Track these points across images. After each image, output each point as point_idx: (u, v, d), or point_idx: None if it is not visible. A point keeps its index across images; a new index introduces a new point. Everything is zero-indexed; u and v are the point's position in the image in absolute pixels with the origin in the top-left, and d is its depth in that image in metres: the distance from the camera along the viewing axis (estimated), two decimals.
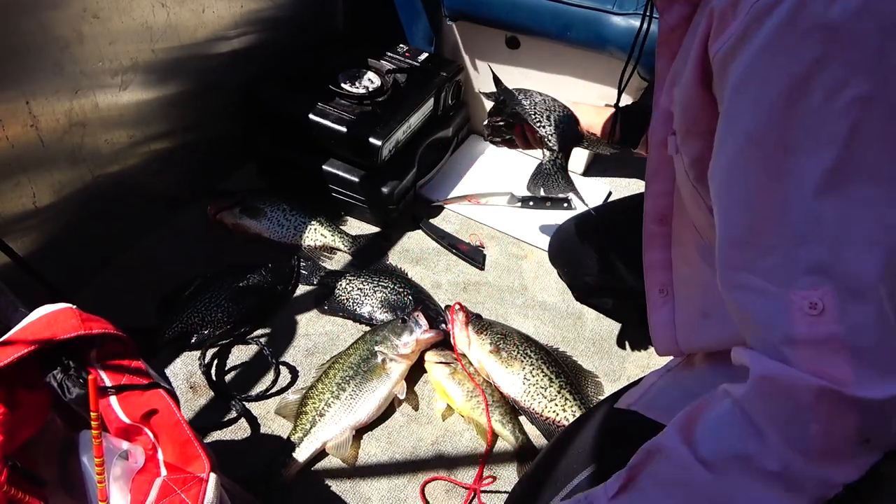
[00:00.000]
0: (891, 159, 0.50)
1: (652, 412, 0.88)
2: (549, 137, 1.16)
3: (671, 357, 0.97)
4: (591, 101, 1.73)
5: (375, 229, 1.64)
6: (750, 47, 0.55)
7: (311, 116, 1.52)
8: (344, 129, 1.50)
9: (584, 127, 1.23)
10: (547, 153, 1.19)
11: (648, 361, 1.42)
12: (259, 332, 1.38)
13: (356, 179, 1.57)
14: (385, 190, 1.57)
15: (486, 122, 1.28)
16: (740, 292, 0.59)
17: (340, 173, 1.57)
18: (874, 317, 0.51)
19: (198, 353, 1.30)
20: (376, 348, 1.27)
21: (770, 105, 0.54)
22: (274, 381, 1.28)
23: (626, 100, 1.68)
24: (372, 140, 1.49)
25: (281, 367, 1.31)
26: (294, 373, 1.31)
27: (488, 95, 1.29)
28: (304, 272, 1.50)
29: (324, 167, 1.58)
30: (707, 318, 0.83)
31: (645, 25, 0.96)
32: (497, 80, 1.26)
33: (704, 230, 0.79)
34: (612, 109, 1.17)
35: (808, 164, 0.52)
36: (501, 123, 1.26)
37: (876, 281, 0.50)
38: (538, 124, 1.17)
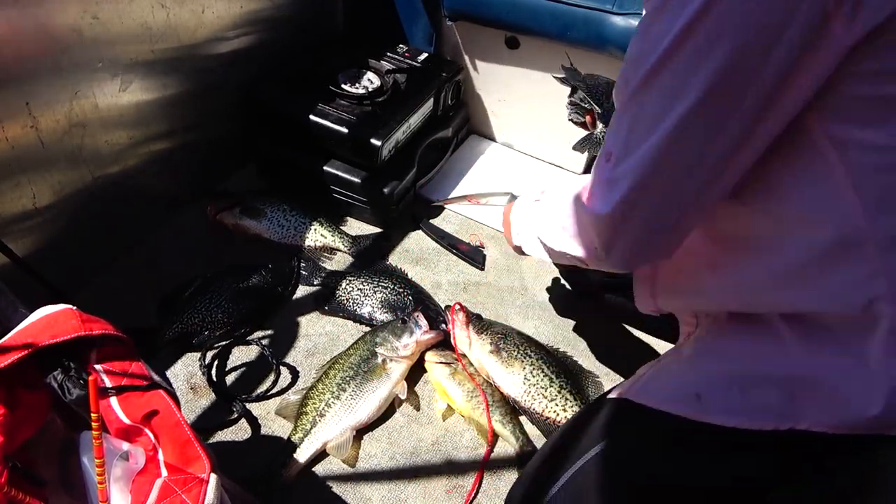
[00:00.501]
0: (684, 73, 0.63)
1: (640, 398, 0.89)
2: (602, 115, 1.31)
3: (641, 306, 1.00)
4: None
5: (375, 229, 1.64)
6: None
7: (311, 117, 1.52)
8: (344, 130, 1.50)
9: None
10: (600, 125, 1.31)
11: (649, 361, 1.42)
12: (259, 332, 1.38)
13: (356, 180, 1.57)
14: (385, 190, 1.57)
15: (567, 103, 1.41)
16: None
17: (340, 173, 1.57)
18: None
19: (198, 354, 1.30)
20: (376, 349, 1.27)
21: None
22: (274, 382, 1.28)
23: None
24: (372, 140, 1.49)
25: (281, 367, 1.31)
26: (294, 373, 1.31)
27: (561, 80, 1.42)
28: (304, 273, 1.50)
29: (324, 167, 1.58)
30: (678, 273, 0.90)
31: None
32: (568, 69, 1.41)
33: None
34: None
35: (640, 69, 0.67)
36: (576, 105, 1.39)
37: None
38: (595, 104, 1.31)
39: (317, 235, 1.56)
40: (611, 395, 0.95)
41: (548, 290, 1.56)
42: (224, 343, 1.33)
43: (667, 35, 0.62)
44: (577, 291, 1.54)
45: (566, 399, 1.24)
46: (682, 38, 0.61)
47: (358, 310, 1.42)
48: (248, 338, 1.35)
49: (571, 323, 1.49)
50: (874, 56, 0.59)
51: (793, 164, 0.69)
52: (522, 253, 1.14)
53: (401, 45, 1.75)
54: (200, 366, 1.28)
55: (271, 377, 1.29)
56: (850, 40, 0.58)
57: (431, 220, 1.70)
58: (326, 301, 1.44)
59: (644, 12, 0.69)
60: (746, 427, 0.79)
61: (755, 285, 0.80)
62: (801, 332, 0.78)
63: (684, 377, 0.88)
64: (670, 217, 0.73)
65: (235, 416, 1.22)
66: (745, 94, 0.61)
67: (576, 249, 0.87)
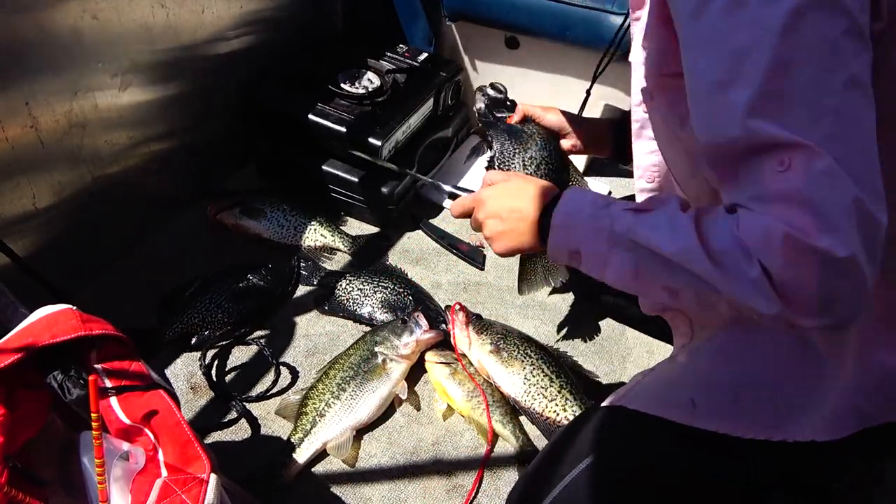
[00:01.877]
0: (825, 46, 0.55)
1: (634, 404, 0.89)
2: (494, 158, 1.14)
3: (644, 306, 0.99)
4: (591, 100, 1.73)
5: (375, 229, 1.64)
6: None
7: (311, 117, 1.52)
8: (344, 130, 1.50)
9: (576, 146, 1.21)
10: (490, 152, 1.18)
11: (649, 361, 1.42)
12: (259, 332, 1.38)
13: (356, 179, 1.57)
14: (385, 190, 1.57)
15: (477, 112, 1.23)
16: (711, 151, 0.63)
17: (340, 173, 1.57)
18: (833, 176, 0.54)
19: (198, 354, 1.30)
20: (376, 349, 1.27)
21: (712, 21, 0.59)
22: (274, 382, 1.28)
23: (625, 100, 1.68)
24: (372, 140, 1.49)
25: (281, 367, 1.31)
26: (294, 373, 1.31)
27: (485, 97, 1.23)
28: (304, 273, 1.50)
29: (324, 167, 1.58)
30: None
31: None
32: (497, 103, 1.21)
33: (686, 183, 0.81)
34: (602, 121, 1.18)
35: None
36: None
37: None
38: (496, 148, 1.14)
39: (317, 235, 1.56)
40: (606, 402, 0.95)
41: (547, 290, 1.56)
42: (224, 343, 1.34)
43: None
44: (576, 292, 1.54)
45: (566, 399, 1.24)
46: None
47: (358, 310, 1.42)
48: (248, 338, 1.35)
49: (571, 323, 1.49)
50: None
51: None
52: (571, 262, 0.81)
53: (400, 45, 1.75)
54: (200, 366, 1.28)
55: (271, 377, 1.29)
56: None
57: (431, 220, 1.70)
58: (326, 301, 1.44)
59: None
60: (739, 435, 0.79)
61: None
62: (800, 345, 0.77)
63: (679, 383, 0.88)
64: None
65: (235, 416, 1.22)
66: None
67: (750, 300, 0.60)
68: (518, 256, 1.14)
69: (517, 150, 1.09)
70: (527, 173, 1.07)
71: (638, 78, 0.83)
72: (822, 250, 0.53)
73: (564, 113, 1.20)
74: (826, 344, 0.76)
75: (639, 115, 0.87)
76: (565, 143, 1.20)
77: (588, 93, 1.17)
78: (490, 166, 1.13)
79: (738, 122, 0.57)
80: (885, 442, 0.81)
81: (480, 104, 1.20)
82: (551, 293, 1.55)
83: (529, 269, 1.17)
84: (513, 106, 1.19)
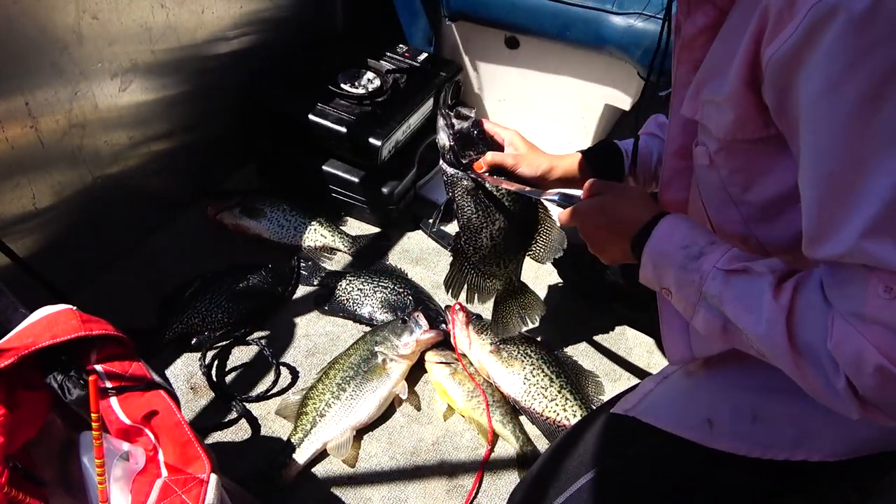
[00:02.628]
0: None
1: (648, 417, 0.88)
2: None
3: (672, 357, 0.97)
4: (591, 101, 1.74)
5: (375, 229, 1.64)
6: (817, 52, 0.53)
7: (311, 117, 1.52)
8: (344, 130, 1.50)
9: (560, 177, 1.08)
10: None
11: (649, 361, 1.42)
12: (259, 332, 1.38)
13: (356, 180, 1.57)
14: (385, 190, 1.57)
15: (441, 151, 1.04)
16: (822, 261, 0.61)
17: (340, 173, 1.57)
18: None
19: (198, 354, 1.30)
20: (376, 349, 1.27)
21: (845, 116, 0.53)
22: (274, 382, 1.28)
23: (625, 100, 1.68)
24: (372, 140, 1.49)
25: (281, 367, 1.31)
26: (294, 373, 1.31)
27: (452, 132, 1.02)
28: (304, 273, 1.50)
29: (324, 167, 1.58)
30: None
31: (665, 32, 0.92)
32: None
33: (728, 238, 0.77)
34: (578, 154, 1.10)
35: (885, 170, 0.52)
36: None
37: None
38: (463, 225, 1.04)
39: (317, 235, 1.56)
40: (616, 411, 0.93)
41: (547, 290, 1.56)
42: (224, 343, 1.33)
43: None
44: (576, 292, 1.54)
45: (566, 399, 1.24)
46: None
47: (358, 310, 1.42)
48: (248, 338, 1.35)
49: (572, 323, 1.49)
50: None
51: None
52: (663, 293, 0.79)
53: (400, 45, 1.75)
54: (200, 366, 1.28)
55: (271, 377, 1.29)
56: None
57: (431, 220, 1.69)
58: (326, 301, 1.44)
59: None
60: (757, 456, 0.79)
61: None
62: None
63: (695, 400, 0.86)
64: None
65: (235, 416, 1.22)
66: None
67: (830, 401, 0.63)
68: (493, 299, 1.13)
69: (484, 224, 1.03)
70: (493, 245, 1.03)
71: (679, 128, 0.80)
72: None
73: (535, 152, 1.08)
74: None
75: (674, 165, 0.84)
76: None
77: (637, 138, 1.06)
78: (457, 241, 1.07)
79: (853, 240, 0.55)
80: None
81: (445, 140, 1.02)
82: (552, 293, 1.55)
83: (503, 312, 1.14)
84: (480, 137, 1.03)
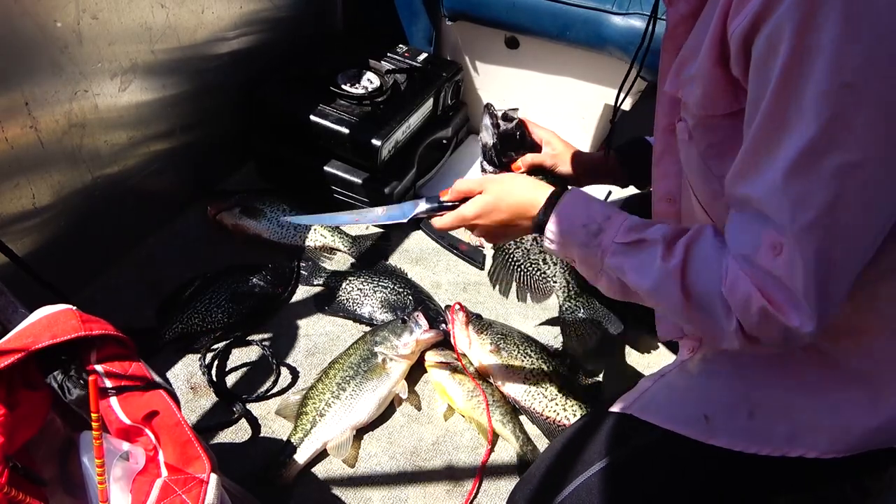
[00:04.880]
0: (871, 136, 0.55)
1: (645, 414, 0.89)
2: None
3: (670, 360, 0.97)
4: (591, 101, 1.74)
5: (375, 229, 1.64)
6: (771, 19, 0.56)
7: (311, 117, 1.52)
8: (343, 130, 1.50)
9: (583, 172, 1.17)
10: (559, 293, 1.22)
11: (648, 361, 1.42)
12: (260, 332, 1.38)
13: (356, 179, 1.57)
14: (385, 190, 1.57)
15: (483, 148, 1.14)
16: (737, 199, 0.68)
17: (340, 173, 1.57)
18: (812, 270, 0.60)
19: (198, 354, 1.30)
20: (376, 348, 1.27)
21: (774, 79, 0.57)
22: (274, 382, 1.28)
23: (626, 103, 1.68)
24: (372, 140, 1.49)
25: (281, 367, 1.31)
26: (294, 373, 1.31)
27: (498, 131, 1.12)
28: (304, 273, 1.50)
29: (323, 167, 1.58)
30: None
31: (650, 26, 0.96)
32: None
33: (711, 207, 0.81)
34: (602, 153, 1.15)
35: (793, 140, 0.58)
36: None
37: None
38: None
39: (316, 235, 1.56)
40: (613, 409, 0.94)
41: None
42: (224, 343, 1.33)
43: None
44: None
45: (566, 399, 1.24)
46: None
47: (358, 310, 1.42)
48: (248, 338, 1.35)
49: None
50: None
51: None
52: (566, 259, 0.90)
53: (400, 46, 1.75)
54: (201, 366, 1.28)
55: (271, 377, 1.29)
56: None
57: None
58: (326, 301, 1.44)
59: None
60: (754, 452, 0.79)
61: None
62: (823, 365, 0.77)
63: (692, 397, 0.87)
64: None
65: (236, 416, 1.22)
66: None
67: (720, 341, 0.71)
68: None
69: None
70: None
71: (665, 106, 0.83)
72: (789, 327, 0.63)
73: (571, 151, 1.17)
74: (850, 365, 0.76)
75: (664, 141, 0.87)
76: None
77: (613, 123, 1.11)
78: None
79: (768, 187, 0.61)
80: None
81: (489, 139, 1.09)
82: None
83: (571, 325, 1.26)
84: (521, 138, 1.11)
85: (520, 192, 0.90)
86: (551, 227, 0.84)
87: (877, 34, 0.52)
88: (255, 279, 1.42)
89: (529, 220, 0.88)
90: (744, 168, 0.64)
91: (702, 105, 0.72)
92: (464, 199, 0.95)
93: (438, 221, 0.98)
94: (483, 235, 0.97)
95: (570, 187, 0.90)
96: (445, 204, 0.97)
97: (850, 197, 0.57)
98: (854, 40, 0.52)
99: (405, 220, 1.00)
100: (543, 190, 0.89)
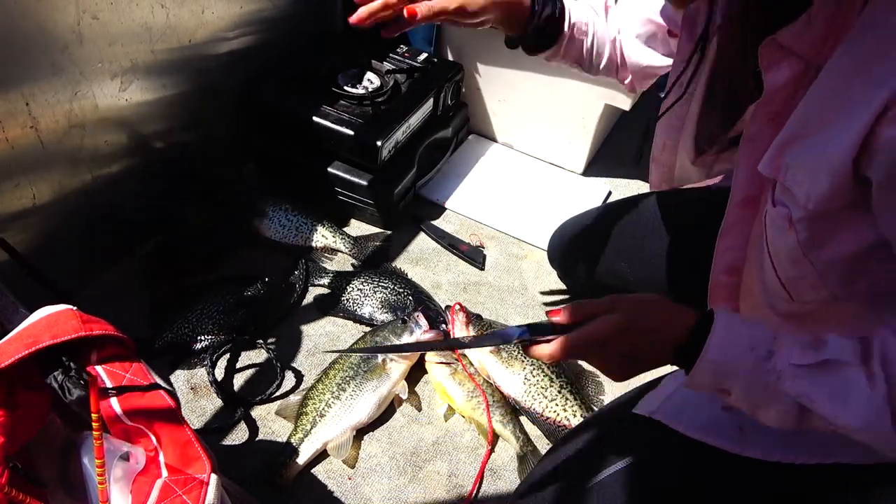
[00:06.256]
0: None
1: (673, 422, 0.86)
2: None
3: None
4: (591, 101, 1.74)
5: (375, 229, 1.64)
6: None
7: (311, 117, 1.52)
8: (343, 130, 1.50)
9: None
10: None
11: None
12: (260, 333, 1.38)
13: (356, 180, 1.57)
14: (385, 190, 1.57)
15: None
16: None
17: (340, 174, 1.57)
18: None
19: (192, 370, 1.29)
20: None
21: None
22: (274, 383, 1.28)
23: (625, 101, 1.68)
24: (372, 140, 1.49)
25: (281, 368, 1.30)
26: (294, 373, 1.31)
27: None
28: (300, 275, 1.49)
29: (323, 167, 1.58)
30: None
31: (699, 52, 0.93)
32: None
33: (793, 285, 0.75)
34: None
35: None
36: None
37: None
38: None
39: (318, 236, 1.55)
40: (638, 410, 0.91)
41: (547, 290, 1.56)
42: (226, 347, 1.32)
43: None
44: (575, 293, 1.54)
45: (566, 399, 1.24)
46: None
47: (358, 310, 1.42)
48: (248, 337, 1.35)
49: None
50: None
51: None
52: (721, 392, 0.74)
53: (400, 46, 1.75)
54: (201, 366, 1.28)
55: (272, 378, 1.29)
56: None
57: (431, 221, 1.70)
58: (327, 301, 1.44)
59: None
60: (791, 461, 0.78)
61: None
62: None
63: (726, 407, 0.84)
64: None
65: (236, 416, 1.22)
66: None
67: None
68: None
69: None
70: None
71: (745, 179, 0.79)
72: None
73: None
74: None
75: (737, 215, 0.83)
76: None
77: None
78: None
79: None
80: None
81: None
82: (552, 294, 1.55)
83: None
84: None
85: (657, 312, 0.75)
86: (708, 356, 0.69)
87: None
88: (250, 292, 1.39)
89: (670, 344, 0.72)
90: None
91: (822, 201, 0.65)
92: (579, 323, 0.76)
93: (548, 348, 0.76)
94: (605, 367, 0.78)
95: (714, 309, 0.73)
96: (556, 326, 0.77)
97: None
98: None
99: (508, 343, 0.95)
100: (684, 309, 0.74)
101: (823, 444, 0.78)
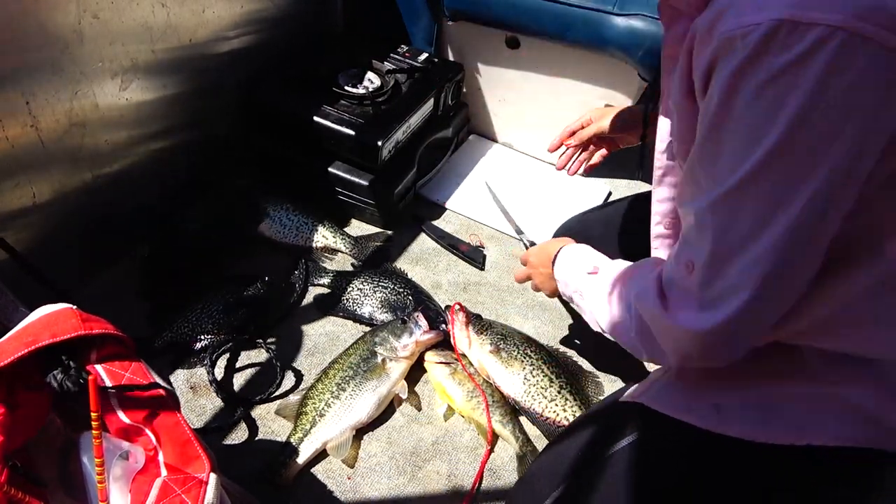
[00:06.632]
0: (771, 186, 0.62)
1: (656, 404, 0.89)
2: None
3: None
4: (591, 101, 1.74)
5: (375, 229, 1.64)
6: (718, 74, 0.63)
7: (311, 116, 1.52)
8: (344, 130, 1.50)
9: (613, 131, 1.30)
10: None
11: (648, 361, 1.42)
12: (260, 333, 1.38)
13: (356, 179, 1.57)
14: (385, 190, 1.57)
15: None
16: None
17: (341, 173, 1.57)
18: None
19: (193, 369, 1.29)
20: (376, 348, 1.27)
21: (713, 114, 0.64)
22: (274, 383, 1.28)
23: (625, 102, 1.68)
24: (372, 140, 1.49)
25: (281, 367, 1.30)
26: (294, 373, 1.31)
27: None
28: (300, 276, 1.49)
29: (323, 167, 1.58)
30: None
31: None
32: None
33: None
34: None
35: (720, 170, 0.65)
36: None
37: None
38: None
39: (318, 236, 1.55)
40: (624, 398, 0.94)
41: None
42: (227, 346, 1.32)
43: (754, 146, 0.61)
44: None
45: (566, 399, 1.24)
46: (779, 148, 0.59)
47: (358, 310, 1.42)
48: (248, 337, 1.35)
49: (571, 323, 1.49)
50: None
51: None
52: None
53: (401, 46, 1.75)
54: (201, 364, 1.28)
55: (271, 377, 1.28)
56: None
57: (432, 221, 1.70)
58: (327, 301, 1.44)
59: (705, 121, 0.66)
60: (763, 441, 0.79)
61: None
62: (828, 358, 0.77)
63: (703, 387, 0.87)
64: (775, 316, 0.70)
65: (236, 416, 1.22)
66: (844, 191, 0.61)
67: (652, 353, 0.82)
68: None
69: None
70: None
71: (664, 128, 0.86)
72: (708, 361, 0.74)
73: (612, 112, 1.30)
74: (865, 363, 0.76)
75: (662, 162, 0.90)
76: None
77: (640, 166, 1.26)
78: None
79: (700, 208, 0.67)
80: None
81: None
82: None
83: None
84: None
85: (553, 243, 1.13)
86: (555, 274, 1.06)
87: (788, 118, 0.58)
88: (250, 291, 1.39)
89: (550, 269, 1.08)
90: (686, 190, 0.72)
91: (675, 129, 0.75)
92: None
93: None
94: (538, 279, 1.17)
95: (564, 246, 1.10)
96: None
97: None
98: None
99: None
100: (559, 244, 1.10)
101: (797, 423, 0.79)
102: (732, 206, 0.64)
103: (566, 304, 1.52)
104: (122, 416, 0.77)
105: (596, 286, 0.92)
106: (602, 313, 0.90)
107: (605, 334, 0.93)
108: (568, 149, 1.34)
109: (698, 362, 0.75)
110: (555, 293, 1.13)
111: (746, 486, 0.84)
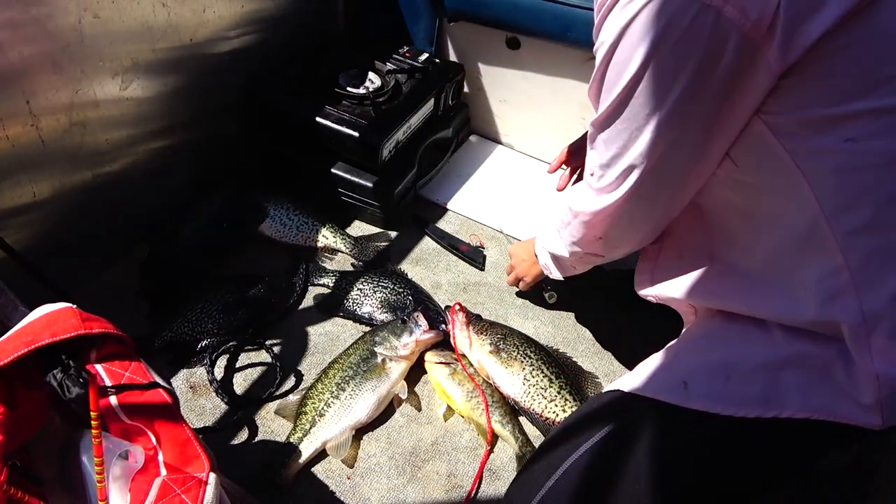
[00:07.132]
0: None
1: (629, 386, 0.92)
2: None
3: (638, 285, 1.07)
4: (586, 100, 1.74)
5: (375, 229, 1.64)
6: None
7: (312, 116, 1.52)
8: (344, 130, 1.50)
9: None
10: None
11: None
12: (260, 333, 1.38)
13: (356, 179, 1.57)
14: (385, 190, 1.57)
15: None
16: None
17: (341, 173, 1.57)
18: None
19: (193, 368, 1.29)
20: (376, 348, 1.27)
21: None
22: (274, 383, 1.28)
23: None
24: (372, 140, 1.49)
25: (281, 367, 1.30)
26: (294, 373, 1.31)
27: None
28: (299, 274, 1.49)
29: (324, 167, 1.58)
30: (681, 259, 0.98)
31: None
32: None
33: None
34: None
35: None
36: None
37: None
38: None
39: (318, 236, 1.55)
40: (610, 387, 0.98)
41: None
42: (227, 346, 1.32)
43: (623, 73, 0.78)
44: (576, 293, 1.54)
45: (566, 399, 1.24)
46: (641, 72, 0.76)
47: (358, 310, 1.42)
48: (248, 337, 1.35)
49: (571, 323, 1.49)
50: (800, 84, 0.70)
51: (759, 169, 0.78)
52: (554, 272, 1.25)
53: (402, 46, 1.75)
54: (202, 364, 1.28)
55: (271, 377, 1.29)
56: (781, 68, 0.69)
57: (432, 221, 1.70)
58: (327, 301, 1.44)
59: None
60: (730, 413, 0.82)
61: (731, 288, 0.89)
62: (788, 327, 0.81)
63: (673, 366, 0.92)
64: (660, 202, 0.90)
65: (235, 415, 1.22)
66: (699, 111, 0.76)
67: (586, 246, 1.05)
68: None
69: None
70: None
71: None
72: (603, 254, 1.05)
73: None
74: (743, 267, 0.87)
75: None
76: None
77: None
78: None
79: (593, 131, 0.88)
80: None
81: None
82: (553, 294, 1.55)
83: None
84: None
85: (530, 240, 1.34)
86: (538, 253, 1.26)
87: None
88: (251, 292, 1.39)
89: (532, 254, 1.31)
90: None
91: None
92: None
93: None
94: (522, 269, 1.40)
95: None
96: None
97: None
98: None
99: None
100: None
101: (762, 397, 0.81)
102: (612, 122, 0.83)
103: (562, 306, 1.52)
104: (121, 415, 0.76)
105: (548, 233, 1.17)
106: (558, 247, 1.13)
107: (576, 269, 1.18)
108: (567, 169, 1.35)
109: (616, 242, 1.00)
110: (538, 277, 1.35)
111: (723, 464, 0.85)
